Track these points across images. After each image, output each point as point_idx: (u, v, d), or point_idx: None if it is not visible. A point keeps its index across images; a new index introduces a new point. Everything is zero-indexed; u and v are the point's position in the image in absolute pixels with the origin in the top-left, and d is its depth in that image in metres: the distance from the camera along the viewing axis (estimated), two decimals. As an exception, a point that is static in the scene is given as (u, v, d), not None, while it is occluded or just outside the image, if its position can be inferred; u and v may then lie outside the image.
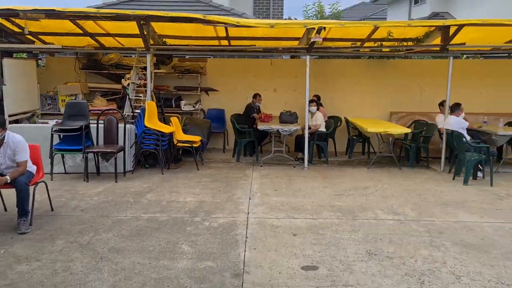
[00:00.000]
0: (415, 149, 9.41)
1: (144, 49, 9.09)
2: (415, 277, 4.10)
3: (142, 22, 8.49)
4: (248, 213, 5.97)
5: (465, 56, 13.36)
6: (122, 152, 7.92)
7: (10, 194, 5.40)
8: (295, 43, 10.05)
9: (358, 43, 10.12)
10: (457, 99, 8.88)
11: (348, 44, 10.20)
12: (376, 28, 9.00)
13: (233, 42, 10.45)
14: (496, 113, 10.47)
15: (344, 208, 6.26)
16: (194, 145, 8.82)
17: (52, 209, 5.88)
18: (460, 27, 8.61)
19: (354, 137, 10.41)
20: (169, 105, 10.61)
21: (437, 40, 9.17)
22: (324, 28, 8.60)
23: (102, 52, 10.66)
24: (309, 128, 9.15)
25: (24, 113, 9.11)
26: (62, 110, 9.22)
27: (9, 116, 8.26)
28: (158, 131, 8.37)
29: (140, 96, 9.47)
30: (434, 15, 23.22)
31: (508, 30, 9.18)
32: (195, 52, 11.38)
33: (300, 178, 8.15)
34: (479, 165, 8.15)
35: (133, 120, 8.77)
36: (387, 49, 10.02)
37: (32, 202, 5.34)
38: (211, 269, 4.20)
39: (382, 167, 9.19)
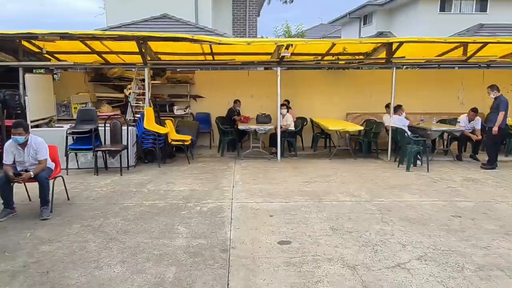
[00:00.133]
0: (367, 143, 9.52)
1: (143, 64, 8.99)
2: (370, 247, 4.16)
3: (140, 41, 8.41)
4: (232, 198, 5.95)
5: (405, 67, 13.53)
6: (126, 150, 7.80)
7: (33, 187, 5.29)
8: (267, 57, 10.05)
9: (319, 57, 10.17)
10: (399, 101, 8.99)
11: (311, 58, 10.25)
12: (333, 45, 9.06)
13: (216, 57, 10.37)
14: (431, 113, 10.65)
15: (311, 192, 6.29)
16: (185, 143, 8.74)
17: (68, 199, 5.78)
18: (401, 43, 8.75)
19: (318, 134, 10.46)
20: (164, 110, 10.49)
21: (383, 54, 9.30)
22: (292, 45, 8.65)
23: (107, 67, 10.49)
24: (281, 127, 9.15)
25: (43, 119, 8.92)
26: (75, 116, 9.14)
27: (31, 121, 8.08)
28: (155, 132, 8.28)
29: (140, 103, 9.36)
30: (379, 34, 23.58)
31: (439, 46, 9.40)
32: (185, 65, 11.28)
33: (274, 169, 8.16)
34: (418, 155, 8.27)
35: (134, 123, 8.65)
36: (343, 62, 10.12)
37: (52, 193, 5.26)
38: (203, 245, 4.19)
39: (341, 158, 9.25)
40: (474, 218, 5.09)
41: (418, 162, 8.32)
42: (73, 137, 7.82)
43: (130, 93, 9.35)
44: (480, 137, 8.99)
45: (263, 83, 10.81)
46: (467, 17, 20.78)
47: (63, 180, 5.71)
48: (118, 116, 8.81)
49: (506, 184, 6.88)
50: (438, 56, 10.15)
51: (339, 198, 5.99)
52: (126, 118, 8.76)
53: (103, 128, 7.93)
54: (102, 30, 11.33)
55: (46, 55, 9.61)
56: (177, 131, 9.35)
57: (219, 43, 8.30)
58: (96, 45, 9.13)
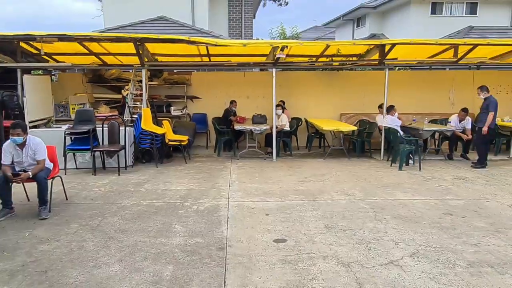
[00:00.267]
0: (361, 143, 9.55)
1: (140, 65, 8.95)
2: (363, 244, 4.17)
3: (138, 43, 8.37)
4: (229, 197, 5.94)
5: (397, 68, 13.60)
6: (123, 150, 7.77)
7: (32, 187, 5.26)
8: (263, 59, 10.03)
9: (314, 59, 10.17)
10: (392, 102, 9.02)
11: (306, 59, 10.24)
12: (327, 46, 9.07)
13: (213, 59, 10.34)
14: (422, 113, 10.70)
15: (306, 191, 6.29)
16: (182, 143, 8.72)
17: (66, 198, 5.75)
18: (393, 45, 8.77)
19: (312, 134, 10.47)
20: (161, 111, 10.44)
21: (376, 56, 9.32)
22: (287, 46, 8.64)
23: (105, 68, 10.44)
24: (276, 127, 9.16)
25: (41, 119, 8.86)
26: (73, 116, 9.03)
27: (29, 122, 8.02)
28: (153, 132, 8.25)
29: (137, 104, 9.33)
30: (372, 36, 23.67)
31: (430, 48, 9.43)
32: (181, 67, 11.23)
33: (270, 168, 8.16)
34: (410, 154, 8.31)
35: (132, 124, 8.62)
36: (337, 63, 10.11)
37: (50, 193, 5.21)
38: (200, 244, 4.18)
39: (335, 158, 9.27)
40: (465, 216, 5.11)
41: (410, 161, 8.36)
42: (71, 138, 7.78)
43: (127, 94, 9.33)
44: (470, 136, 9.04)
45: (258, 84, 10.80)
46: (457, 19, 20.94)
47: (61, 180, 5.66)
48: (116, 116, 8.79)
49: (495, 182, 6.92)
50: (430, 57, 10.18)
51: (334, 197, 6.00)
52: (124, 118, 8.74)
53: (101, 128, 7.89)
54: (99, 32, 11.29)
55: (44, 57, 9.48)
56: (174, 132, 9.32)
57: (216, 45, 8.29)
58: (94, 46, 9.08)
